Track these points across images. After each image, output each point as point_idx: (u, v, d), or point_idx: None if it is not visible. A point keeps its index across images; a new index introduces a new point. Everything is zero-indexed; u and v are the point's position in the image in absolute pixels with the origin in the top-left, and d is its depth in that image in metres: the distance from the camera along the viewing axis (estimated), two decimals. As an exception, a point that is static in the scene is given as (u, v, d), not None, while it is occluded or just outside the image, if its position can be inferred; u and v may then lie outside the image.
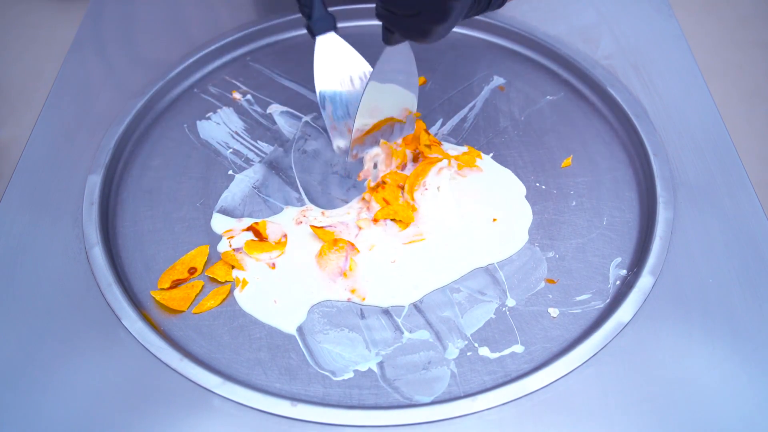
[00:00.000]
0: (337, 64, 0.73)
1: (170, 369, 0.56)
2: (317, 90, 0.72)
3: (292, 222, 0.68)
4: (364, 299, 0.61)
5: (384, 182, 0.68)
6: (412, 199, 0.67)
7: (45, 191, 0.69)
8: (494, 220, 0.67)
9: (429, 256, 0.65)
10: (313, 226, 0.66)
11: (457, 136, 0.76)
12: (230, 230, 0.67)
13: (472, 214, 0.67)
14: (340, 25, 0.88)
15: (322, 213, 0.68)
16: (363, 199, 0.69)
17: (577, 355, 0.56)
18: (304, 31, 0.88)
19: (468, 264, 0.64)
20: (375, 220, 0.66)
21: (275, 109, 0.79)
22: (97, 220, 0.65)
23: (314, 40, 0.72)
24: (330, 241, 0.64)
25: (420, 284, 0.62)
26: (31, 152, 0.73)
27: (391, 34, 0.59)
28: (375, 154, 0.69)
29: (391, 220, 0.66)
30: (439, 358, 0.58)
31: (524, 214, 0.68)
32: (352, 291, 0.62)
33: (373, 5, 0.87)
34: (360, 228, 0.66)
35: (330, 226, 0.66)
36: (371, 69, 0.68)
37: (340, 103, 0.72)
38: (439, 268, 0.64)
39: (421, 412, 0.53)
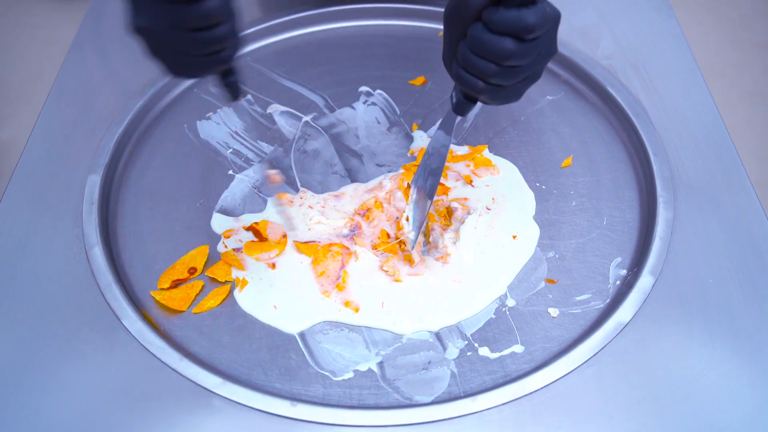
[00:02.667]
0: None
1: (170, 369, 0.56)
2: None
3: (276, 202, 0.69)
4: (357, 310, 0.61)
5: (369, 209, 0.68)
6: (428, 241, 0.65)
7: (45, 191, 0.69)
8: (514, 237, 0.66)
9: (435, 291, 0.62)
10: (297, 242, 0.65)
11: (457, 136, 0.76)
12: (230, 230, 0.67)
13: (488, 242, 0.65)
14: (339, 25, 0.89)
15: (316, 206, 0.68)
16: (352, 220, 0.67)
17: (577, 355, 0.56)
18: (304, 31, 0.88)
19: (483, 301, 0.61)
20: (375, 248, 0.65)
21: (275, 109, 0.79)
22: (97, 220, 0.65)
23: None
24: (320, 250, 0.64)
25: (425, 318, 0.60)
26: (31, 152, 0.73)
27: (471, 105, 0.54)
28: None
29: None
30: (439, 358, 0.58)
31: (534, 230, 0.67)
32: (346, 304, 0.61)
33: (371, 5, 0.87)
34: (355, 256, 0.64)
35: (314, 240, 0.65)
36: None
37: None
38: (450, 303, 0.61)
39: (421, 412, 0.53)
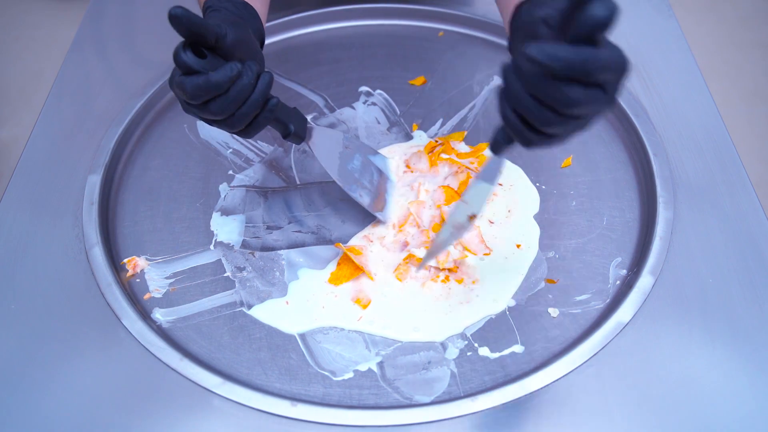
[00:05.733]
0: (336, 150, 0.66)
1: (170, 369, 0.56)
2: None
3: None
4: (365, 306, 0.61)
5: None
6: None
7: (45, 191, 0.69)
8: (518, 246, 0.65)
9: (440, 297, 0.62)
10: (347, 249, 0.64)
11: (457, 136, 0.76)
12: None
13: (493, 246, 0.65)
14: (339, 25, 0.89)
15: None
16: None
17: (577, 355, 0.56)
18: (304, 31, 0.88)
19: (486, 311, 0.61)
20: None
21: (275, 109, 0.79)
22: (97, 220, 0.65)
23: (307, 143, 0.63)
24: (347, 270, 0.63)
25: (420, 326, 0.60)
26: (31, 152, 0.73)
27: (507, 146, 0.48)
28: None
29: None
30: (439, 358, 0.58)
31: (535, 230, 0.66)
32: (363, 306, 0.61)
33: (371, 5, 0.87)
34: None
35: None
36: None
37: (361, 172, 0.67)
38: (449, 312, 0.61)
39: (421, 412, 0.53)
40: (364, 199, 0.66)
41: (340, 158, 0.65)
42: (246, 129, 0.54)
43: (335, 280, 0.63)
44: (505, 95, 0.44)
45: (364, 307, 0.61)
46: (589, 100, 0.40)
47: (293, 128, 0.59)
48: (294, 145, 0.75)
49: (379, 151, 0.73)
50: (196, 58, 0.49)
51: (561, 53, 0.38)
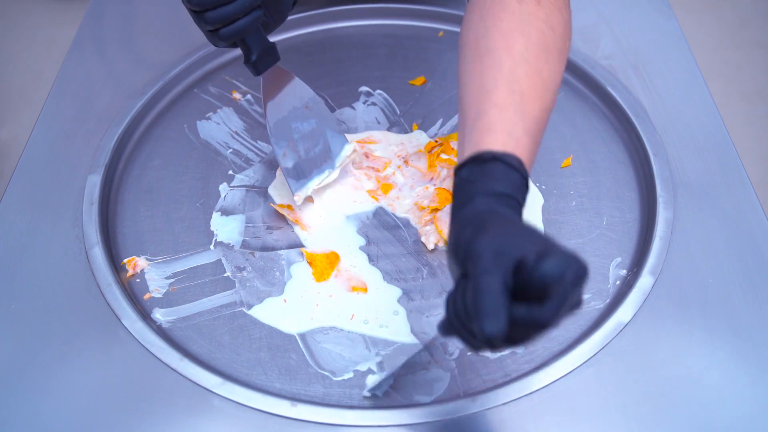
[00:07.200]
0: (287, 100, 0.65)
1: (170, 369, 0.56)
2: (270, 131, 0.65)
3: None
4: (366, 290, 0.61)
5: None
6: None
7: (45, 191, 0.69)
8: None
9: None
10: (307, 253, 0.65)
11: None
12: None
13: None
14: (339, 25, 0.89)
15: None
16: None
17: (577, 355, 0.56)
18: (304, 31, 0.88)
19: None
20: None
21: (275, 109, 0.79)
22: (97, 220, 0.65)
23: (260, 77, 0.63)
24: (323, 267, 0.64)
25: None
26: (31, 152, 0.73)
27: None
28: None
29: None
30: (439, 358, 0.58)
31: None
32: (364, 290, 0.62)
33: (371, 5, 0.87)
34: None
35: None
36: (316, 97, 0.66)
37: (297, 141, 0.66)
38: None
39: (421, 412, 0.53)
40: (286, 161, 0.65)
41: (290, 112, 0.65)
42: (222, 28, 0.55)
43: (319, 276, 0.63)
44: (452, 304, 0.41)
45: (365, 290, 0.61)
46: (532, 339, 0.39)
47: (254, 59, 0.60)
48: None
49: (372, 133, 0.73)
50: None
51: (502, 332, 0.36)
